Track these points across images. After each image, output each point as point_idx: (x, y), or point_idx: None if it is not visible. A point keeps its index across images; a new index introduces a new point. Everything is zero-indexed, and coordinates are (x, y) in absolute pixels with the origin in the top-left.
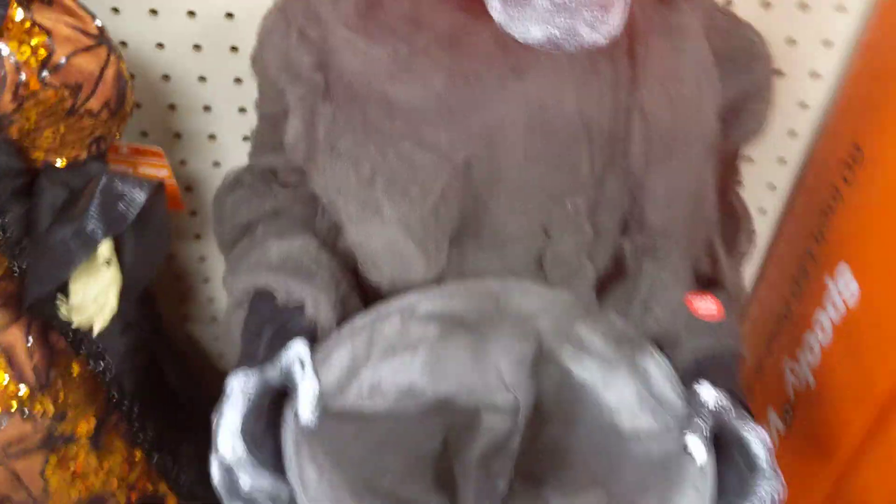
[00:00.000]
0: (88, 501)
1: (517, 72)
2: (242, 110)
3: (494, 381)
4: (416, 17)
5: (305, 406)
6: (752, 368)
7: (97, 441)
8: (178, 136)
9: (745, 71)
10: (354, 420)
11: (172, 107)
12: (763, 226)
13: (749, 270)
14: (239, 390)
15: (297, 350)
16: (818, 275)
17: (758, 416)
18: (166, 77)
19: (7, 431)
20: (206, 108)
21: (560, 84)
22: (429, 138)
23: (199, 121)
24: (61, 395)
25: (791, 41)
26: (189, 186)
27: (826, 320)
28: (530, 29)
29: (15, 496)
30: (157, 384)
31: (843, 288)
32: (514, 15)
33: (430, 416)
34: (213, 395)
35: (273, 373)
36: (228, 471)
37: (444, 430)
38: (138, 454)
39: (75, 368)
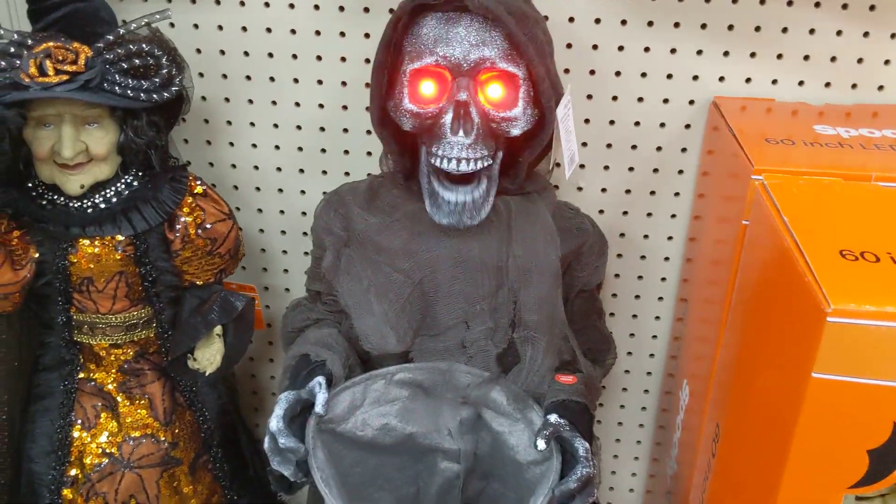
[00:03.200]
0: None
1: (447, 235)
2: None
3: (444, 432)
4: (394, 203)
5: (319, 403)
6: None
7: (193, 469)
8: (266, 288)
9: (576, 238)
10: (352, 446)
11: (265, 269)
12: None
13: None
14: (283, 398)
15: (318, 380)
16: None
17: None
18: (263, 250)
19: (141, 449)
20: (286, 271)
21: (469, 241)
22: (399, 266)
23: (282, 276)
24: (176, 431)
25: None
26: (269, 324)
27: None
28: (441, 218)
29: (138, 497)
30: (234, 444)
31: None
32: (434, 211)
33: (402, 450)
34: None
35: (303, 391)
36: (272, 436)
37: (416, 474)
38: (217, 489)
39: (187, 416)
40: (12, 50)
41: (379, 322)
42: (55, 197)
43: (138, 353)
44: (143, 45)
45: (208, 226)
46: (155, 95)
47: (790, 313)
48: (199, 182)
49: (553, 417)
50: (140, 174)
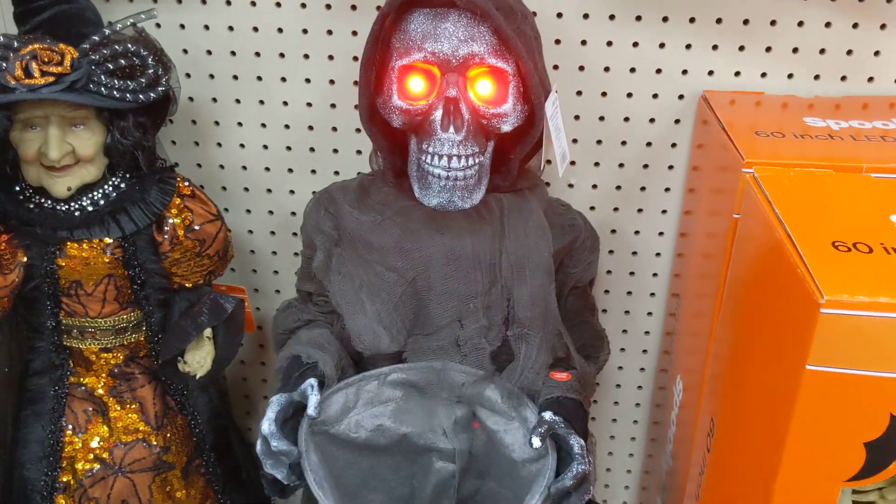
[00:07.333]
0: None
1: (439, 230)
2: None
3: (439, 431)
4: (385, 201)
5: (311, 406)
6: None
7: (186, 473)
8: (256, 290)
9: (568, 234)
10: (345, 448)
11: (255, 270)
12: None
13: None
14: (275, 401)
15: (310, 381)
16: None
17: None
18: (252, 252)
19: (133, 453)
20: (275, 272)
21: (462, 238)
22: (392, 264)
23: (271, 277)
24: (168, 435)
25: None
26: (260, 326)
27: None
28: (431, 199)
29: (131, 501)
30: (226, 448)
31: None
32: (423, 193)
33: (396, 450)
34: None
35: (295, 394)
36: (264, 439)
37: (411, 474)
38: (210, 493)
39: (179, 420)
40: None
41: (371, 321)
42: (42, 200)
43: (128, 357)
44: (129, 46)
45: (196, 227)
46: (141, 96)
47: (783, 305)
48: (187, 183)
49: (548, 415)
50: (127, 176)
